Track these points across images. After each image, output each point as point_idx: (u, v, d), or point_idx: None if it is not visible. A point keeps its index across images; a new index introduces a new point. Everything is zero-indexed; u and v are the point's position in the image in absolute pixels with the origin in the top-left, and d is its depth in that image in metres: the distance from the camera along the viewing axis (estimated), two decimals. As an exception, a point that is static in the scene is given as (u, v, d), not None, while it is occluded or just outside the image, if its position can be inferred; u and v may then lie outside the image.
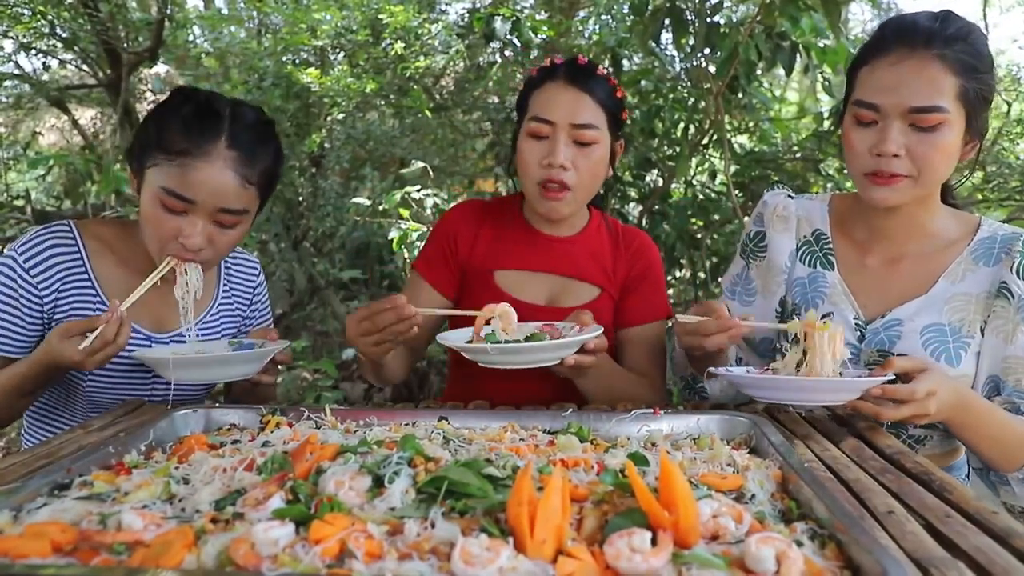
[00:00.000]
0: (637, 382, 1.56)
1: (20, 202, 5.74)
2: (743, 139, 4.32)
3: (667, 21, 2.86)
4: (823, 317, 1.35)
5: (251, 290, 1.71)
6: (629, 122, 3.41)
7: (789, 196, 1.62)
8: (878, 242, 1.47)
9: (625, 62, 3.74)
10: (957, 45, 1.30)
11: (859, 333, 1.46)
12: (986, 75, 1.32)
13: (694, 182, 4.11)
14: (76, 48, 4.78)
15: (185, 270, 1.41)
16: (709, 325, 1.31)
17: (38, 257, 1.43)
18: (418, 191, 3.64)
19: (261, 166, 1.39)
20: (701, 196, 3.89)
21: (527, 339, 1.32)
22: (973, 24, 1.35)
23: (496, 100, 4.48)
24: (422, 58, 4.19)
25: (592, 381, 1.49)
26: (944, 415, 1.22)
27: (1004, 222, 3.86)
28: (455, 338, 1.38)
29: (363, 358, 1.47)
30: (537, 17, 4.07)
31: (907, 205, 1.39)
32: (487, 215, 1.69)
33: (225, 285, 1.65)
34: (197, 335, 1.55)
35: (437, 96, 4.83)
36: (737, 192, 3.67)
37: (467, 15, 4.42)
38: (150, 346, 1.49)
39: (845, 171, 3.37)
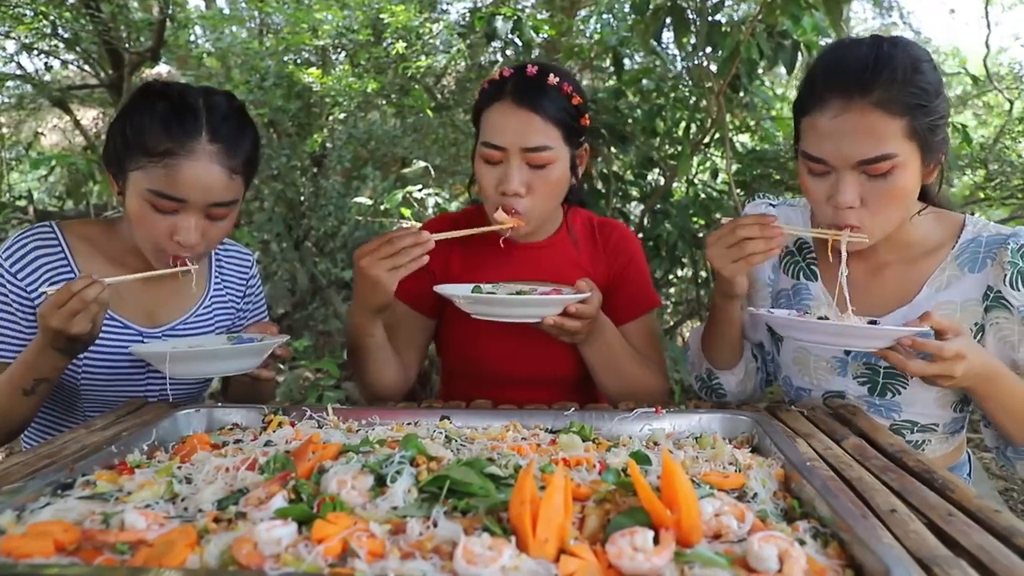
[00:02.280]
0: (643, 363, 1.56)
1: (23, 202, 5.76)
2: (745, 138, 4.32)
3: (668, 20, 2.86)
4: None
5: (244, 281, 1.70)
6: (631, 121, 3.43)
7: (771, 204, 1.58)
8: (858, 253, 1.42)
9: (627, 61, 3.74)
10: (895, 87, 1.21)
11: None
12: (934, 103, 1.24)
13: (696, 181, 4.12)
14: (78, 48, 4.79)
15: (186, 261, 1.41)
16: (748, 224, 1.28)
17: (23, 260, 1.42)
18: (420, 191, 3.65)
19: (243, 154, 1.39)
20: (703, 195, 3.89)
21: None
22: (912, 50, 1.26)
23: (498, 99, 4.48)
24: (423, 58, 4.20)
25: (595, 352, 1.49)
26: (970, 382, 1.23)
27: (1006, 220, 3.89)
28: (451, 290, 1.39)
29: (364, 297, 1.38)
30: (538, 16, 4.07)
31: None
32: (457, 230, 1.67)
33: (217, 277, 1.65)
34: (191, 328, 1.55)
35: (438, 95, 4.84)
36: (739, 191, 3.67)
37: (468, 14, 4.44)
38: (143, 341, 1.49)
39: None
